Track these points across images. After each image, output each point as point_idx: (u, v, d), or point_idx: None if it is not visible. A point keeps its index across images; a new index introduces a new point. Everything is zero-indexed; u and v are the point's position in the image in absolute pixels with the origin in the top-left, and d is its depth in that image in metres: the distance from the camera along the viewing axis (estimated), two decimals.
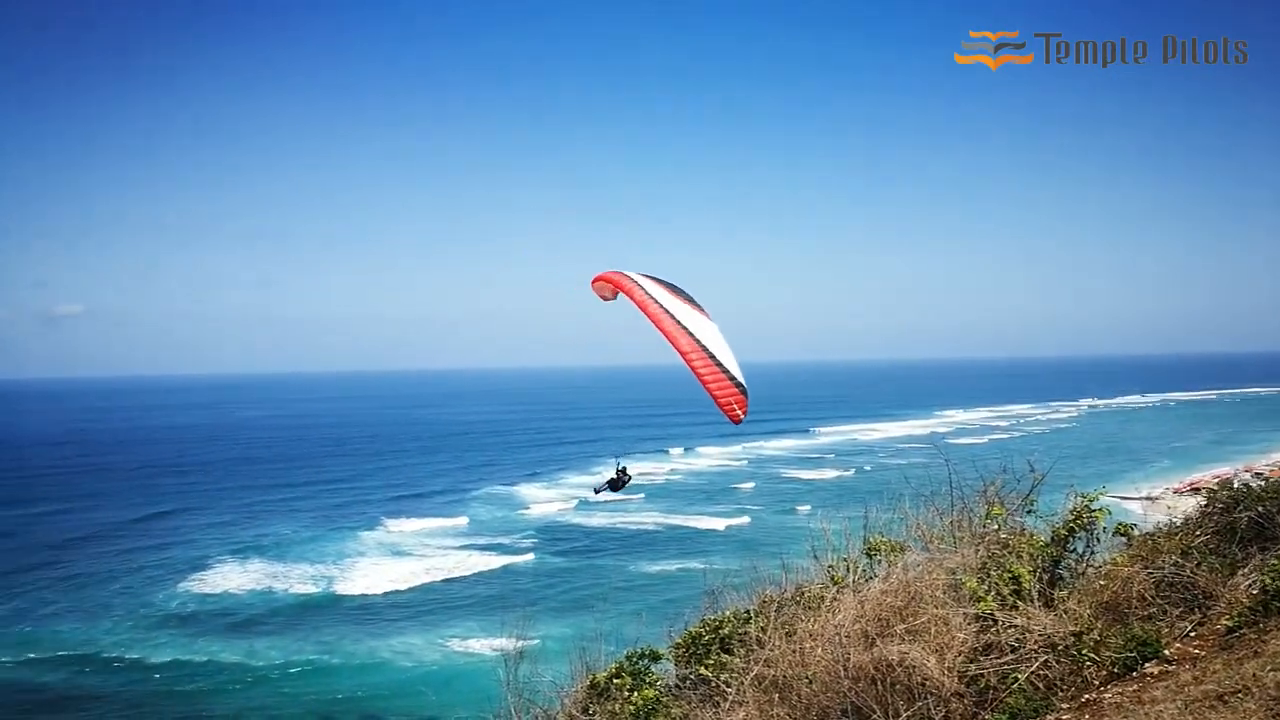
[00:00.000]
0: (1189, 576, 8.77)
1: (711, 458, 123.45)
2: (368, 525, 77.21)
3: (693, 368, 14.27)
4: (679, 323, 14.66)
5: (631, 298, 15.17)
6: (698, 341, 14.54)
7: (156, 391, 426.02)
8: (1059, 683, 7.75)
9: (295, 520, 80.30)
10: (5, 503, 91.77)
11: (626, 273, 15.65)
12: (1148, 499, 30.16)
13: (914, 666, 7.67)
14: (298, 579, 59.51)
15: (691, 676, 10.68)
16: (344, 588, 57.55)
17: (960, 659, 7.77)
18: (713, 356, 14.38)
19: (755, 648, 9.27)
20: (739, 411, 14.14)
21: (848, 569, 10.35)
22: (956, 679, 7.66)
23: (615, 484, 20.70)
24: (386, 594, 56.17)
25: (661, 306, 14.89)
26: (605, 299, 17.70)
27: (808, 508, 77.49)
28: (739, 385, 14.44)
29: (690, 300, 15.06)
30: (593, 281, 16.49)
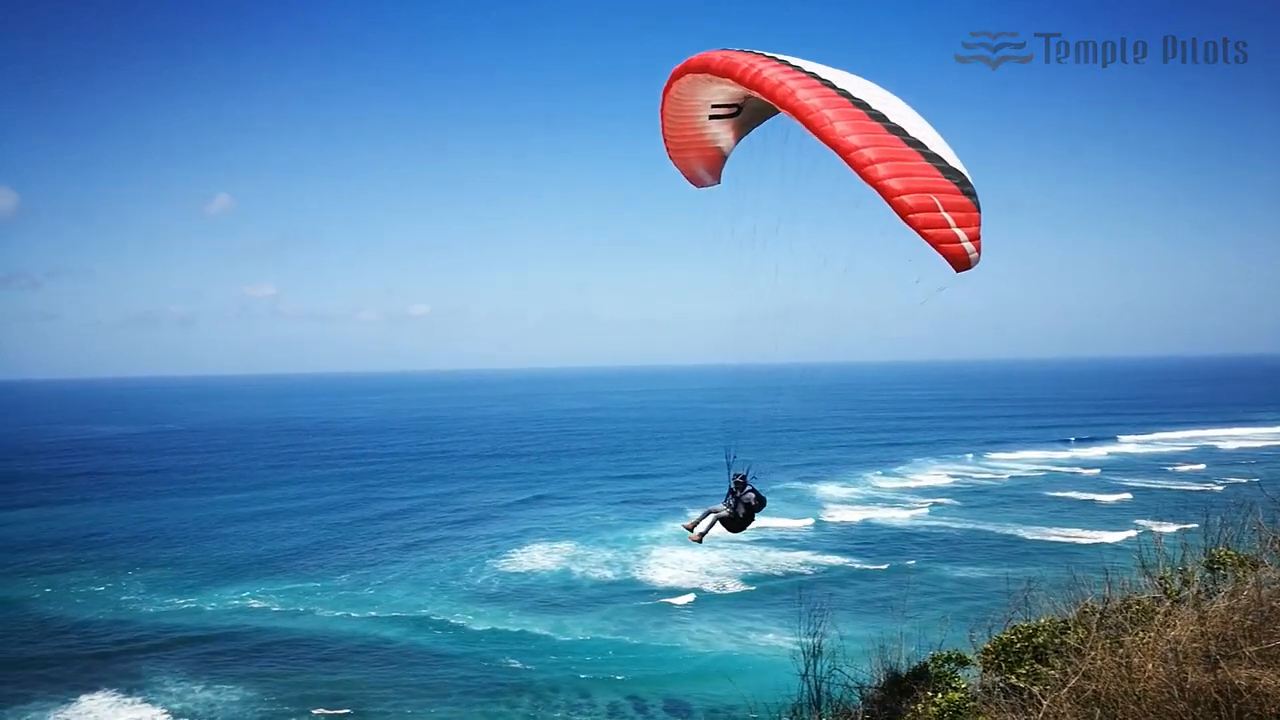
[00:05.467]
0: None
1: (1024, 462, 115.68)
2: (672, 515, 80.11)
3: (876, 171, 7.99)
4: (842, 93, 8.57)
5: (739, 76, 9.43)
6: (879, 118, 8.28)
7: (479, 385, 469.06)
8: None
9: (608, 510, 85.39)
10: (381, 485, 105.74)
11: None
12: None
13: (1268, 695, 6.84)
14: (601, 564, 63.08)
15: (1001, 684, 10.16)
16: (646, 574, 60.17)
17: None
18: (913, 140, 8.21)
19: (1074, 659, 8.68)
20: (968, 245, 7.75)
21: (1184, 582, 9.42)
22: None
23: (732, 523, 12.54)
24: (686, 583, 58.00)
25: (797, 71, 8.99)
26: (699, 178, 12.80)
27: (1134, 519, 70.73)
28: (963, 185, 8.10)
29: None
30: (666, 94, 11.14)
